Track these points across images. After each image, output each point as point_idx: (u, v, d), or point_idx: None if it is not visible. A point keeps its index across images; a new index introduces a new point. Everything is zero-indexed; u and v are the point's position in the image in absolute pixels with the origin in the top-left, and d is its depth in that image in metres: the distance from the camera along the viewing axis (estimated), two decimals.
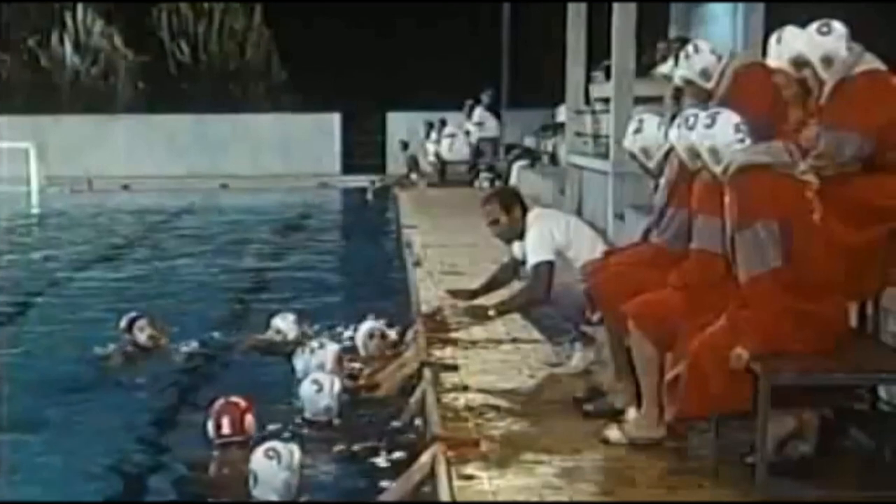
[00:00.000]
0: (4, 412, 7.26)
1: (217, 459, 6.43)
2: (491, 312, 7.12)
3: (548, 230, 6.96)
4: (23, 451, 6.81)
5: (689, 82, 6.52)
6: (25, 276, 13.92)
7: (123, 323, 9.13)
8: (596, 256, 6.77)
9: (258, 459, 5.75)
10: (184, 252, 16.13)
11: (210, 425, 6.52)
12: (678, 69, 6.62)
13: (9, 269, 14.51)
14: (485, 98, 23.76)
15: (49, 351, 9.40)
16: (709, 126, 5.10)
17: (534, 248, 6.90)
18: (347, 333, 9.12)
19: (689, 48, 6.57)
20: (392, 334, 8.76)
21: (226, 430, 6.42)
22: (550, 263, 6.85)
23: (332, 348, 7.97)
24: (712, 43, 6.74)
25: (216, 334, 9.85)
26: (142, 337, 9.00)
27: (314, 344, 8.06)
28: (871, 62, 5.23)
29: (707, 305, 5.04)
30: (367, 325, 8.69)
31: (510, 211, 7.08)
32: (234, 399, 6.70)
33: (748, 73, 6.25)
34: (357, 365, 8.26)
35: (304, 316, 9.63)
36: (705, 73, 6.43)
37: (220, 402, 6.66)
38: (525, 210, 7.12)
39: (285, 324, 9.25)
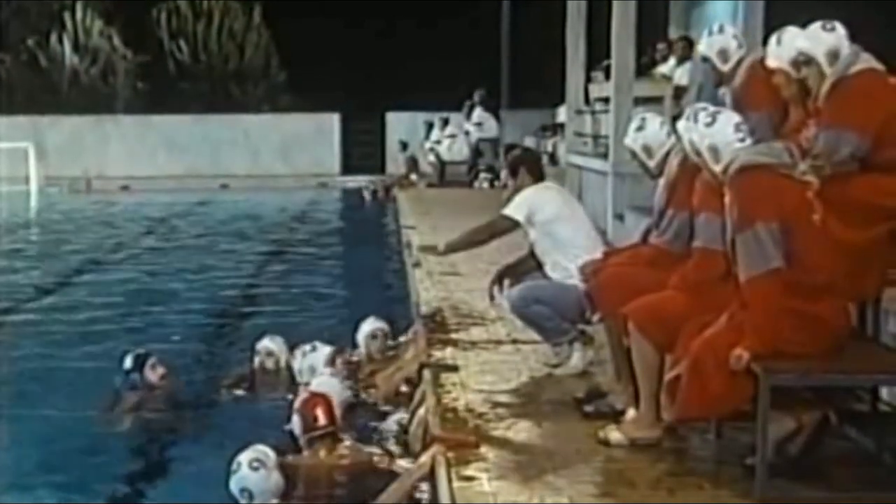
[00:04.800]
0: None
1: (311, 457, 6.30)
2: (440, 248, 7.62)
3: (537, 199, 7.12)
4: None
5: (705, 59, 6.73)
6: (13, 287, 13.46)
7: (129, 363, 8.28)
8: (592, 245, 6.90)
9: (246, 476, 5.70)
10: (181, 256, 16.08)
11: (298, 420, 6.36)
12: (700, 44, 6.82)
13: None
14: (476, 97, 23.76)
15: (44, 386, 8.71)
16: (709, 125, 5.11)
17: (512, 204, 7.14)
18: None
19: (714, 27, 6.77)
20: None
21: (322, 420, 6.29)
22: (515, 223, 7.09)
23: (325, 351, 7.96)
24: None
25: (217, 359, 9.53)
26: (154, 377, 8.25)
27: (306, 347, 8.05)
28: (868, 62, 5.23)
29: (708, 305, 5.04)
30: (370, 326, 8.63)
31: (516, 176, 7.32)
32: (316, 391, 6.68)
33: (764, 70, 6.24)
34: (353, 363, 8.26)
35: (292, 335, 8.99)
36: (723, 54, 6.59)
37: (305, 395, 6.59)
38: (537, 178, 7.28)
39: (275, 345, 8.58)
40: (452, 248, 7.65)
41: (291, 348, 8.36)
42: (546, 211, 7.06)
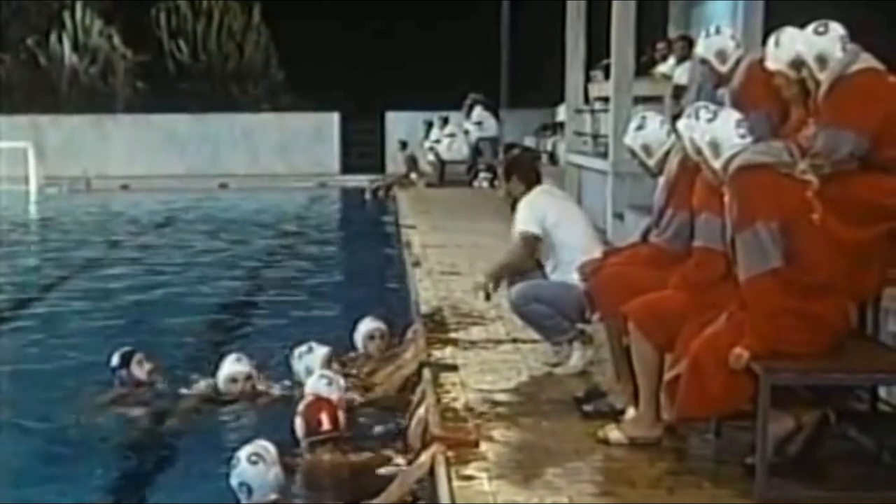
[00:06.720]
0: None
1: (313, 458, 6.34)
2: (480, 278, 7.29)
3: (540, 206, 7.10)
4: None
5: (703, 61, 6.72)
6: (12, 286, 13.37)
7: (115, 360, 8.21)
8: (590, 244, 6.92)
9: (246, 470, 5.65)
10: (180, 254, 16.04)
11: (301, 424, 6.38)
12: (698, 46, 6.82)
13: None
14: (473, 98, 23.75)
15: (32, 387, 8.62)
16: (710, 120, 5.11)
17: (522, 219, 7.09)
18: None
19: (712, 28, 6.78)
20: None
21: (326, 426, 6.31)
22: (536, 237, 7.02)
23: (321, 351, 7.94)
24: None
25: (210, 357, 9.17)
26: (141, 373, 8.17)
27: (303, 348, 8.01)
28: (868, 61, 5.23)
29: (708, 305, 5.04)
30: (368, 326, 8.60)
31: (509, 179, 7.37)
32: (323, 396, 6.67)
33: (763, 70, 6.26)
34: (350, 369, 8.23)
35: (290, 334, 8.93)
36: (721, 55, 6.59)
37: (310, 399, 6.59)
38: (532, 182, 7.25)
39: (241, 365, 8.09)
40: (493, 276, 7.24)
41: (291, 348, 8.33)
42: (549, 218, 7.06)
